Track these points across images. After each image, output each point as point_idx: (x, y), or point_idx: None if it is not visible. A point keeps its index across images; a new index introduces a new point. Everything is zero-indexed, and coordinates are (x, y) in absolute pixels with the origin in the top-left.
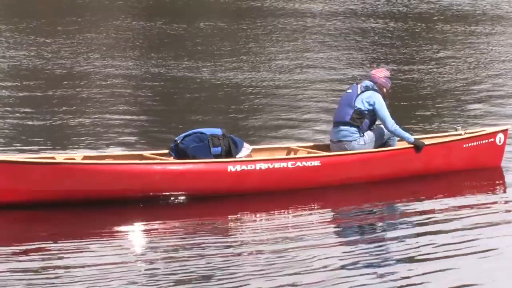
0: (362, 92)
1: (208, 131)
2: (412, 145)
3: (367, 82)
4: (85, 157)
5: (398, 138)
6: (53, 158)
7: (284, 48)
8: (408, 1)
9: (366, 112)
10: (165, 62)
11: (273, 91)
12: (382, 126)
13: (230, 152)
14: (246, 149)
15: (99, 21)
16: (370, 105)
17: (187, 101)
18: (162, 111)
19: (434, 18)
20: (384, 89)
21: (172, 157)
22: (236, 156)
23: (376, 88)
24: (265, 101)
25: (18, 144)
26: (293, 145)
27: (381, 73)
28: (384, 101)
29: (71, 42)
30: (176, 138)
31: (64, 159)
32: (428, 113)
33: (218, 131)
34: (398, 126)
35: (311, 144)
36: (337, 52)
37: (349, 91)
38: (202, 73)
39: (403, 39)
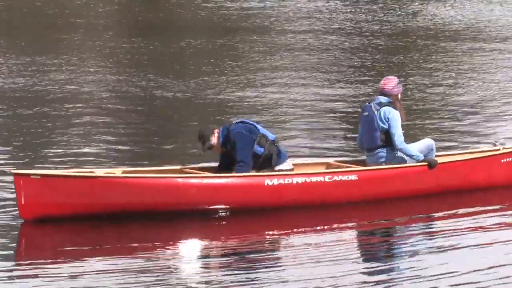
0: (378, 110)
1: (262, 129)
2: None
3: (380, 98)
4: (124, 172)
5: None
6: (92, 172)
7: (268, 65)
8: (402, 18)
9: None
10: (150, 80)
11: (258, 108)
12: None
13: (270, 159)
14: (287, 164)
15: (85, 39)
16: (388, 120)
17: (173, 118)
18: (146, 128)
19: (440, 34)
20: (399, 95)
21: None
22: (275, 168)
23: (391, 100)
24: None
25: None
26: (330, 160)
27: (390, 83)
28: (401, 112)
29: (55, 59)
30: (233, 121)
31: (104, 173)
32: (458, 128)
33: (271, 135)
34: (406, 145)
35: (348, 159)
36: (325, 71)
37: (365, 113)
38: (187, 90)
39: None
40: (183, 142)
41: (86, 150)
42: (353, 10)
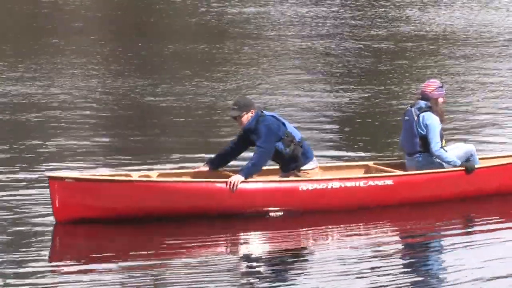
0: (418, 115)
1: (290, 127)
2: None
3: (421, 103)
4: (160, 175)
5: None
6: (129, 175)
7: (253, 71)
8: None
9: None
10: (138, 84)
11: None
12: (458, 143)
13: (296, 160)
14: (312, 163)
15: (72, 43)
16: (426, 126)
17: (160, 123)
18: (132, 134)
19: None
20: (440, 100)
21: None
22: (302, 168)
23: (431, 105)
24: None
25: None
26: (370, 162)
27: (431, 86)
28: (441, 116)
29: (39, 64)
30: (265, 112)
31: (139, 176)
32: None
33: (298, 134)
34: (443, 150)
35: (388, 162)
36: (317, 75)
37: (407, 118)
38: (175, 95)
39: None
40: (174, 144)
41: (71, 153)
42: (341, 15)
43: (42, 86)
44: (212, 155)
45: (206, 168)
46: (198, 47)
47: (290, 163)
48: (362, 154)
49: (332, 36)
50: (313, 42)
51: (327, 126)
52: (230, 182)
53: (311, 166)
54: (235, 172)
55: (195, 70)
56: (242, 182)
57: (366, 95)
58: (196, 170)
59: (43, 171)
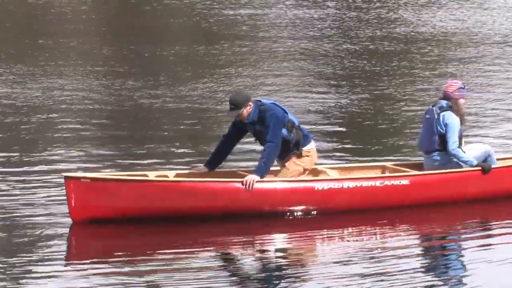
0: (438, 114)
1: (289, 114)
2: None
3: (442, 102)
4: (177, 175)
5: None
6: (146, 175)
7: (250, 72)
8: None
9: None
10: (132, 86)
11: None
12: (476, 143)
13: (298, 144)
14: (311, 144)
15: (66, 45)
16: (446, 125)
17: (153, 124)
18: (124, 135)
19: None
20: (461, 101)
21: None
22: (303, 148)
23: (451, 105)
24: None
25: None
26: (388, 163)
27: (453, 86)
28: (461, 117)
29: (34, 66)
30: (263, 100)
31: (156, 176)
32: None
33: (294, 118)
34: (459, 150)
35: (405, 162)
36: (315, 77)
37: (428, 116)
38: (172, 97)
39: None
40: (167, 146)
41: (65, 154)
42: (339, 16)
43: (38, 89)
44: (208, 157)
45: (206, 170)
46: (196, 49)
47: (293, 148)
48: (375, 155)
49: (331, 38)
50: (309, 44)
51: (331, 129)
52: (246, 182)
53: (311, 146)
54: (250, 171)
55: (193, 72)
56: (258, 181)
57: (365, 96)
58: (204, 171)
59: (36, 172)
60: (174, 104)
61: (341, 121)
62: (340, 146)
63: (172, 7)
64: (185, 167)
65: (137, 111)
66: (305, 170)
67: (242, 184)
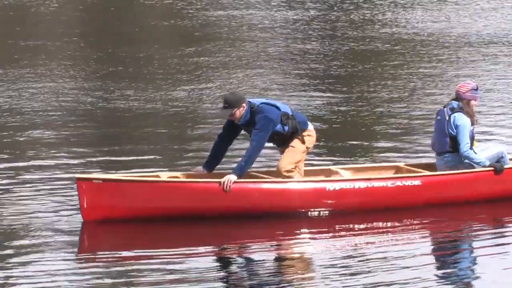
0: (450, 115)
1: (282, 107)
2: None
3: (453, 103)
4: (189, 176)
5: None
6: (158, 176)
7: (238, 75)
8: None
9: None
10: (113, 89)
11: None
12: (489, 144)
13: (296, 131)
14: (309, 126)
15: (47, 47)
16: (457, 127)
17: (134, 127)
18: (106, 136)
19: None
20: (473, 102)
21: None
22: (302, 133)
23: (462, 106)
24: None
25: None
26: (401, 163)
27: (465, 87)
28: (472, 118)
29: (15, 68)
30: (253, 101)
31: (168, 177)
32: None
33: (289, 110)
34: (471, 151)
35: (418, 162)
36: (297, 77)
37: (439, 117)
38: (150, 100)
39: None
40: (156, 149)
41: (47, 155)
42: (326, 18)
43: (16, 89)
44: (205, 159)
45: (204, 171)
46: (177, 51)
47: (292, 136)
48: (389, 155)
49: (321, 39)
50: (295, 45)
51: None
52: (224, 183)
53: (310, 127)
54: (267, 173)
55: (173, 74)
56: (235, 182)
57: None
58: (203, 173)
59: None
60: (159, 106)
61: (349, 119)
62: (351, 146)
63: (151, 8)
64: (165, 169)
65: (115, 113)
66: (307, 149)
67: (219, 185)
